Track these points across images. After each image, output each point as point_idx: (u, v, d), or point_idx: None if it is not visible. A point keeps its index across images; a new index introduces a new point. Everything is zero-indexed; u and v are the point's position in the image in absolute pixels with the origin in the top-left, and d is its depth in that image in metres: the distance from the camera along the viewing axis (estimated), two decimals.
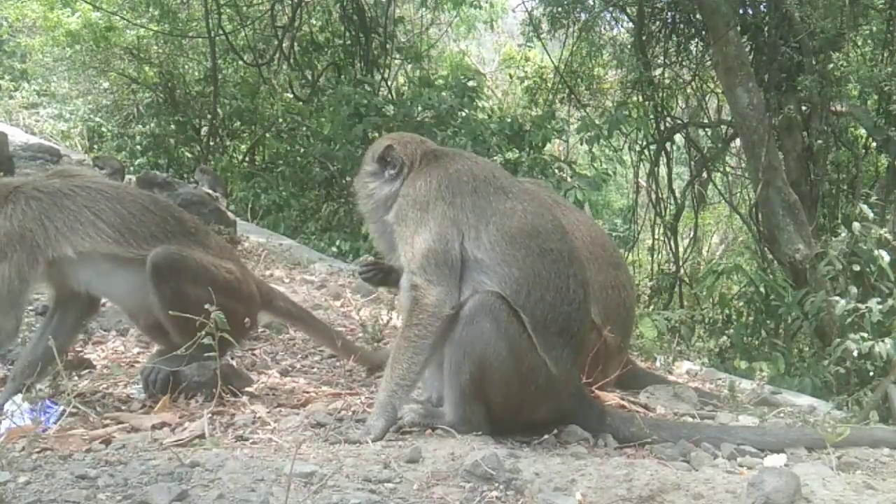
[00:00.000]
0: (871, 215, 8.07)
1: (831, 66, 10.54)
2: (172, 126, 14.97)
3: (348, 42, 14.27)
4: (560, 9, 12.88)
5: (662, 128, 13.06)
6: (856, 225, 7.92)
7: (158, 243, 3.53)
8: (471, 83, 11.37)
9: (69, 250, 3.45)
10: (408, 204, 3.13)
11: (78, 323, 3.68)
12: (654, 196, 13.51)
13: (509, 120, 11.02)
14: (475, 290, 2.99)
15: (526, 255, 3.02)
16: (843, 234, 8.17)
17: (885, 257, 7.64)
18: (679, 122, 13.71)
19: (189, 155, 14.91)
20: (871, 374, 7.08)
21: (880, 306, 7.17)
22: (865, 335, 6.97)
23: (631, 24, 13.42)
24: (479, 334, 2.92)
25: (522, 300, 2.97)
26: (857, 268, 7.91)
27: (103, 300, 4.26)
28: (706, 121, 13.87)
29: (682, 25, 12.88)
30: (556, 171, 10.28)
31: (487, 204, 3.09)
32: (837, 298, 7.62)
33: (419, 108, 11.13)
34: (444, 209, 3.06)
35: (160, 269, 3.45)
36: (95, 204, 3.57)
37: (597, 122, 11.15)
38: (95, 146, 15.67)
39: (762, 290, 8.85)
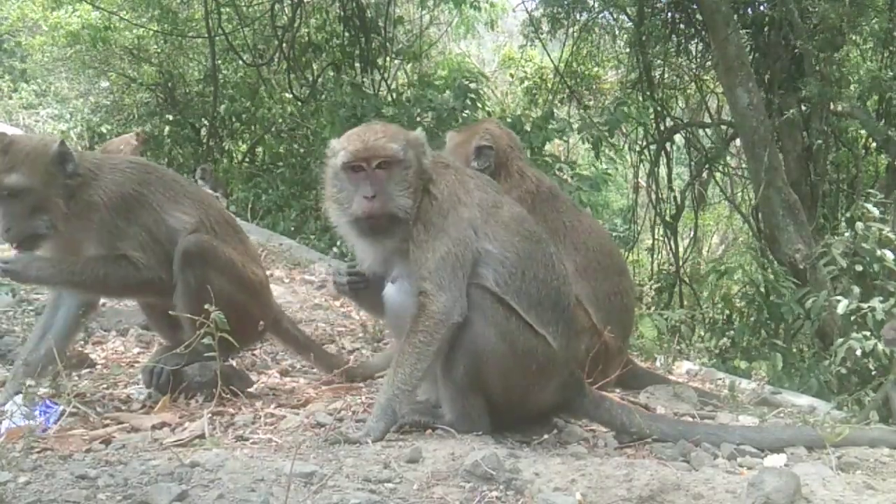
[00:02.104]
0: (876, 214, 8.05)
1: (832, 66, 10.54)
2: (167, 128, 14.95)
3: (347, 42, 14.25)
4: (560, 9, 12.88)
5: (662, 128, 13.06)
6: (858, 224, 7.91)
7: (212, 234, 3.60)
8: (472, 85, 11.35)
9: (173, 221, 3.51)
10: (433, 209, 3.08)
11: (77, 321, 3.66)
12: (654, 196, 13.51)
13: (510, 120, 11.01)
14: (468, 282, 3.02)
15: (519, 239, 3.12)
16: (846, 234, 8.15)
17: (890, 256, 7.63)
18: (679, 122, 13.71)
19: (181, 156, 14.87)
20: (874, 372, 7.07)
21: (883, 305, 7.17)
22: (868, 334, 6.97)
23: (631, 24, 13.42)
24: (466, 326, 2.97)
25: (518, 281, 3.05)
26: (859, 268, 7.90)
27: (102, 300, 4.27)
28: (706, 121, 13.87)
29: (682, 25, 12.88)
30: (557, 172, 10.27)
31: (488, 197, 3.20)
32: (840, 298, 7.62)
33: (418, 110, 11.12)
34: (462, 211, 3.10)
35: (190, 254, 3.46)
36: (180, 180, 3.73)
37: (597, 121, 11.13)
38: (96, 146, 15.66)
39: (762, 289, 8.84)
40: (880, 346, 6.74)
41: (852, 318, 7.41)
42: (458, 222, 3.06)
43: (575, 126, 10.44)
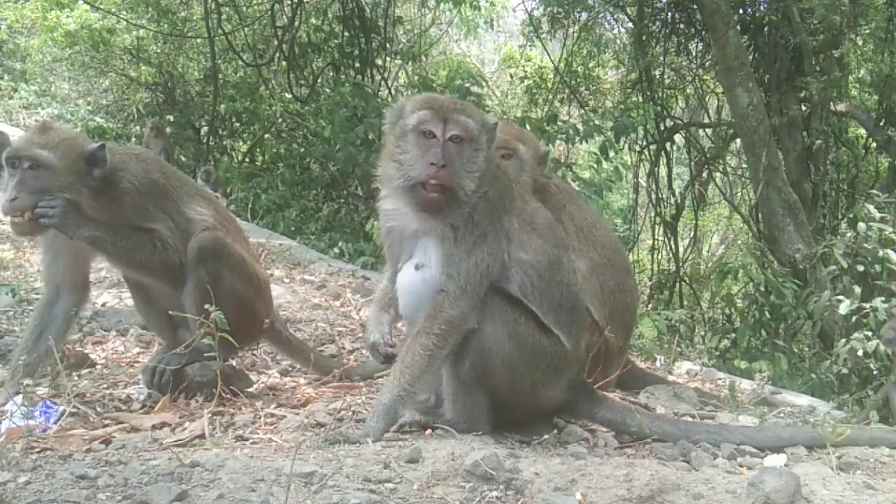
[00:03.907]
0: (877, 215, 8.04)
1: (832, 65, 10.55)
2: (167, 128, 14.95)
3: (346, 42, 14.25)
4: (560, 9, 12.88)
5: (662, 128, 13.06)
6: (861, 225, 7.90)
7: (225, 232, 3.65)
8: (474, 88, 11.35)
9: (192, 214, 3.57)
10: (484, 210, 3.03)
11: (72, 319, 3.65)
12: (654, 196, 13.52)
13: (514, 120, 10.99)
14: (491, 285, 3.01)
15: (551, 246, 3.15)
16: (848, 234, 8.14)
17: (893, 256, 7.63)
18: (679, 122, 13.71)
19: (182, 156, 14.86)
20: (876, 372, 7.06)
21: (885, 305, 7.16)
22: (870, 334, 6.97)
23: (631, 24, 13.42)
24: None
25: (544, 284, 3.07)
26: (861, 268, 7.89)
27: (101, 301, 4.25)
28: (706, 121, 13.87)
29: (682, 25, 12.88)
30: (561, 175, 10.25)
31: (526, 206, 3.20)
32: (842, 298, 7.61)
33: None
34: (504, 221, 3.07)
35: (205, 251, 3.49)
36: (189, 180, 3.85)
37: (598, 122, 11.12)
38: None
39: (762, 289, 8.84)
40: (882, 347, 6.73)
41: (854, 318, 7.41)
42: (498, 231, 3.04)
43: (580, 130, 10.39)
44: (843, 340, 7.20)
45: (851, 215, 8.87)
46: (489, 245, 3.00)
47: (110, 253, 3.42)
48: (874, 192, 9.82)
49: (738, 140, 12.39)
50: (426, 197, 2.93)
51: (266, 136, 14.81)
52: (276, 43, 14.64)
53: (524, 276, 3.04)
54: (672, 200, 13.65)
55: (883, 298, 7.32)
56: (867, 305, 7.30)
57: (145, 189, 3.48)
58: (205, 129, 15.54)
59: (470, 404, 3.02)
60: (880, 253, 7.68)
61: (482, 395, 3.02)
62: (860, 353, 6.90)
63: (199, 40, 15.23)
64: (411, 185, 2.94)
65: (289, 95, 14.81)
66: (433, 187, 2.91)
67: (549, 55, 14.39)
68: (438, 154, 2.91)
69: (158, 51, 15.74)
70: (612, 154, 10.49)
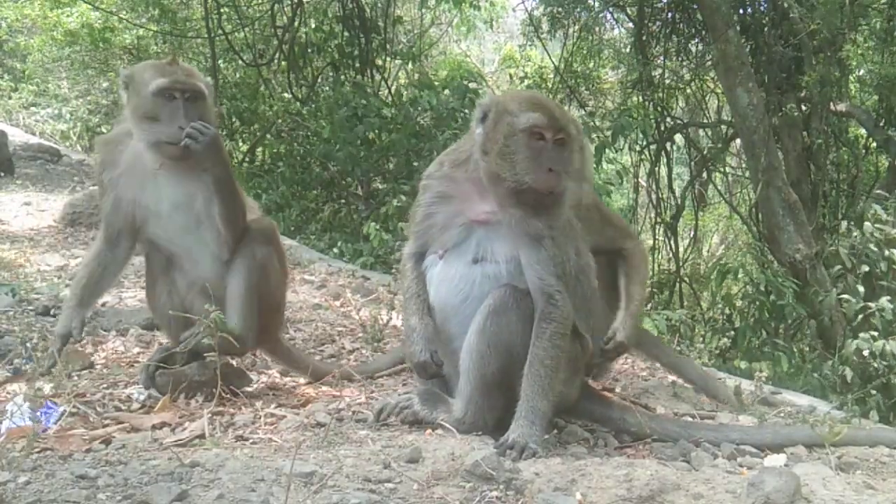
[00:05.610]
0: (884, 215, 8.03)
1: (832, 65, 10.55)
2: None
3: (345, 42, 14.24)
4: (560, 9, 12.87)
5: (662, 128, 13.05)
6: (867, 225, 7.89)
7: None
8: (472, 85, 11.36)
9: (247, 200, 3.69)
10: (565, 211, 3.05)
11: (127, 259, 3.69)
12: (654, 196, 13.52)
13: None
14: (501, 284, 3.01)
15: (585, 250, 3.23)
16: (854, 234, 8.14)
17: None
18: (679, 122, 13.71)
19: None
20: (880, 372, 7.05)
21: (891, 305, 7.16)
22: (875, 334, 6.96)
23: (631, 24, 13.43)
24: (506, 325, 2.93)
25: (584, 288, 3.17)
26: (866, 268, 7.88)
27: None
28: (706, 121, 13.87)
29: (682, 25, 12.88)
30: None
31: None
32: (848, 297, 7.61)
33: (419, 110, 11.14)
34: (571, 219, 3.13)
35: (266, 232, 3.58)
36: None
37: (598, 123, 11.11)
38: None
39: (762, 288, 8.84)
40: (888, 347, 6.73)
41: (859, 318, 7.40)
42: (570, 231, 3.09)
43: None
44: (850, 340, 7.20)
45: (855, 215, 8.86)
46: (575, 245, 3.09)
47: (224, 196, 3.45)
48: (879, 192, 9.80)
49: (738, 140, 12.38)
50: (540, 200, 2.92)
51: (266, 136, 14.78)
52: (276, 43, 14.62)
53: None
54: (672, 200, 13.65)
55: (888, 298, 7.31)
56: (873, 305, 7.30)
57: (230, 166, 3.59)
58: None
59: (485, 407, 3.00)
60: (885, 253, 7.68)
61: (501, 398, 3.00)
62: (866, 353, 6.90)
63: (199, 40, 15.22)
64: (523, 189, 2.90)
65: (289, 95, 14.80)
66: (547, 192, 2.91)
67: (549, 55, 14.39)
68: (553, 160, 2.90)
69: (158, 50, 15.71)
70: (612, 155, 10.48)
